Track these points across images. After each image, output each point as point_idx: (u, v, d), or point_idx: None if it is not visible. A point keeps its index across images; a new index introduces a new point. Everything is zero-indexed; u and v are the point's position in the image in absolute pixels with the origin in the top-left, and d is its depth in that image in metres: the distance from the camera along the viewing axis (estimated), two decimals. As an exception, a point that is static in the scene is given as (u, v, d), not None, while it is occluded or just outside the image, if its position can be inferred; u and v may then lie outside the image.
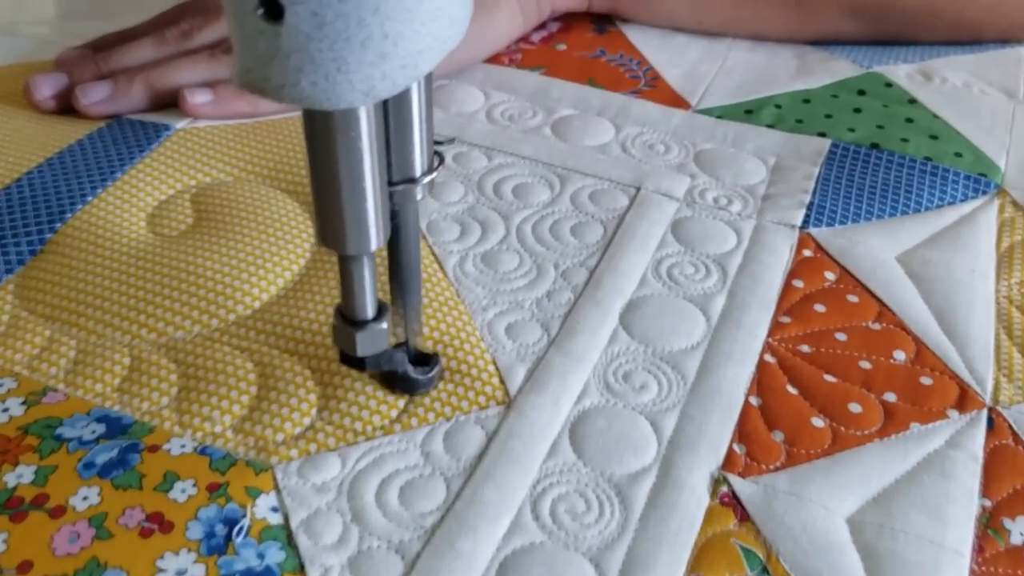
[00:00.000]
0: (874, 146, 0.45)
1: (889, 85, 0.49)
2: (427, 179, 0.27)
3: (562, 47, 0.52)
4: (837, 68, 0.51)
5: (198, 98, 0.44)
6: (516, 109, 0.47)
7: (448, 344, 0.33)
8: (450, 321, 0.34)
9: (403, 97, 0.25)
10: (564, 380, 0.32)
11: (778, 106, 0.47)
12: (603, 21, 0.54)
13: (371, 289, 0.28)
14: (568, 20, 0.54)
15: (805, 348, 0.34)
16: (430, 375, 0.31)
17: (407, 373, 0.31)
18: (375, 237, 0.26)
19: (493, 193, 0.41)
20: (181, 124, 0.44)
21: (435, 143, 0.28)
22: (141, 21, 0.50)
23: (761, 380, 0.33)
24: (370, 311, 0.28)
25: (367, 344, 0.29)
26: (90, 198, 0.40)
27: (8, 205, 0.39)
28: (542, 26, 0.53)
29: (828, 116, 0.47)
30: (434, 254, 0.38)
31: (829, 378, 0.33)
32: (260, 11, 0.20)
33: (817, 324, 0.35)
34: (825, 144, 0.45)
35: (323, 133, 0.24)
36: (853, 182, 0.43)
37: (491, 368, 0.33)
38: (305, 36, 0.20)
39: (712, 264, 0.38)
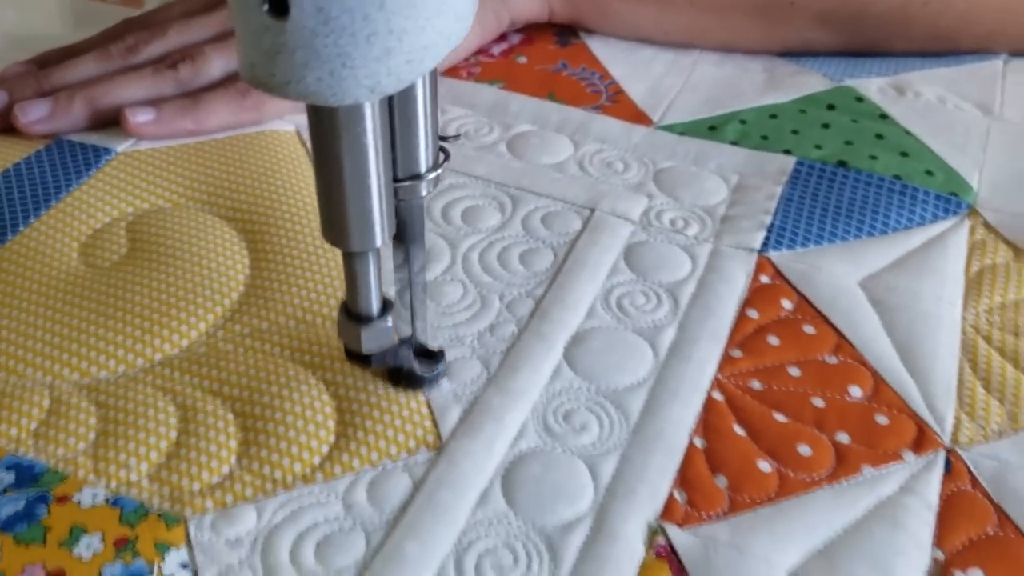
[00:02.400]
0: (841, 164, 0.43)
1: (860, 99, 0.47)
2: (432, 175, 0.27)
3: (523, 60, 0.50)
4: (807, 82, 0.49)
5: (139, 117, 0.42)
6: (472, 125, 0.46)
7: (381, 383, 0.32)
8: (384, 358, 0.33)
9: (408, 93, 0.25)
10: (501, 421, 0.31)
11: (743, 122, 0.46)
12: (566, 33, 0.52)
13: (376, 285, 0.28)
14: (530, 32, 0.52)
15: (756, 384, 0.33)
16: (436, 371, 0.32)
17: (412, 369, 0.31)
18: (380, 233, 0.26)
19: (441, 218, 0.40)
20: (122, 147, 0.43)
21: (441, 139, 0.28)
22: (89, 36, 0.49)
23: (707, 420, 0.31)
24: (375, 307, 0.28)
25: (372, 340, 0.29)
26: (22, 227, 0.38)
27: (-64, 235, 0.38)
28: (503, 38, 0.52)
29: (795, 132, 0.45)
30: (374, 285, 0.36)
31: (779, 417, 0.32)
32: (265, 7, 0.21)
33: (770, 358, 0.34)
34: (790, 162, 0.43)
35: (328, 129, 0.24)
36: (817, 202, 0.41)
37: (424, 409, 0.31)
38: (310, 32, 0.21)
39: (664, 293, 0.36)
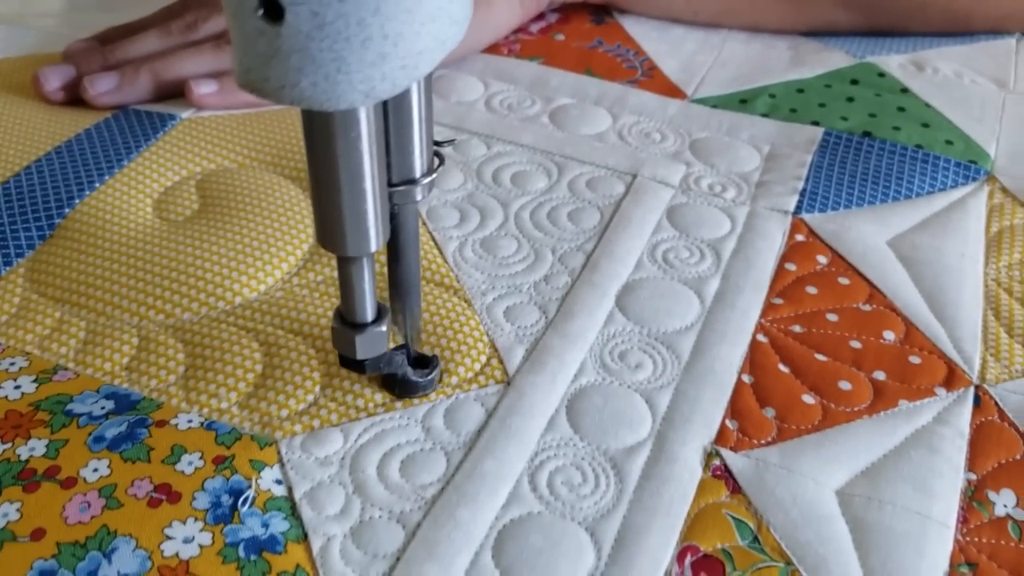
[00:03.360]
0: (866, 134, 0.45)
1: (882, 75, 0.50)
2: (427, 180, 0.27)
3: (560, 37, 0.53)
4: (831, 58, 0.51)
5: (203, 88, 0.45)
6: (515, 98, 0.48)
7: (448, 327, 0.34)
8: (450, 306, 0.35)
9: (403, 98, 0.26)
10: (561, 359, 0.33)
11: (772, 96, 0.48)
12: (601, 12, 0.55)
13: (370, 291, 0.28)
14: (566, 11, 0.55)
15: (797, 328, 0.35)
16: (429, 377, 0.32)
17: (407, 376, 0.31)
18: (375, 238, 0.26)
19: (492, 181, 0.42)
20: (186, 114, 0.45)
21: (435, 144, 0.28)
22: (147, 14, 0.51)
23: (753, 359, 0.34)
24: (369, 314, 0.28)
25: (367, 347, 0.29)
26: (97, 185, 0.41)
27: (18, 192, 0.40)
28: (540, 17, 0.54)
29: (822, 105, 0.47)
30: (434, 239, 0.39)
31: (820, 357, 0.34)
32: (260, 11, 0.20)
33: (809, 305, 0.36)
34: (818, 132, 0.46)
35: (323, 134, 0.24)
36: (845, 169, 0.43)
37: (490, 350, 0.34)
38: (305, 36, 0.20)
39: (707, 248, 0.39)
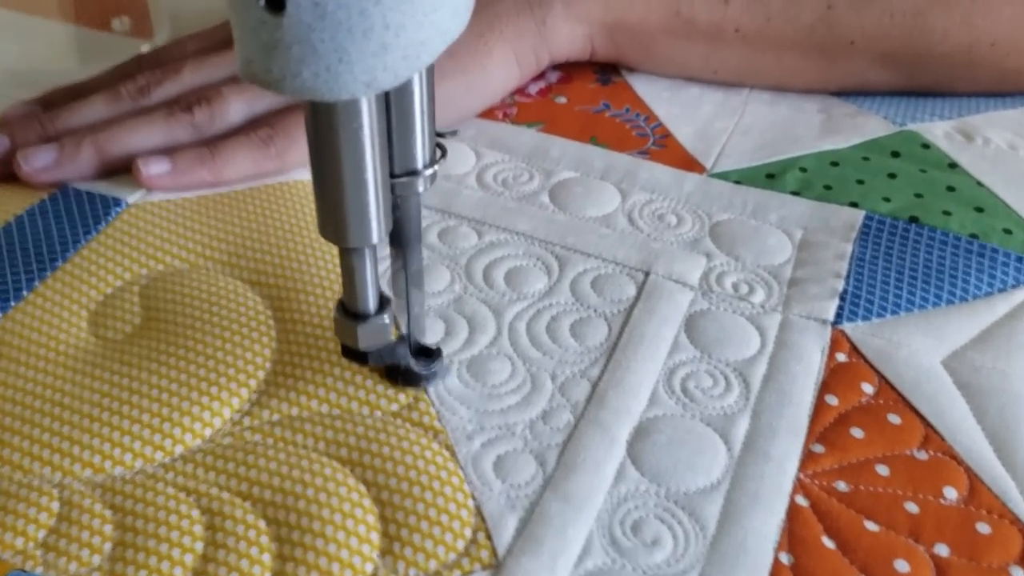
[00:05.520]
0: (913, 220, 0.40)
1: (926, 146, 0.44)
2: (429, 171, 0.27)
3: (562, 100, 0.47)
4: (867, 125, 0.45)
5: (153, 168, 0.39)
6: (511, 172, 0.43)
7: (427, 487, 0.29)
8: (429, 456, 0.30)
9: (405, 89, 0.25)
10: (563, 535, 0.28)
11: (803, 169, 0.42)
12: (607, 71, 0.49)
13: (372, 282, 0.28)
14: (568, 69, 0.49)
15: (842, 486, 0.30)
16: (433, 368, 0.31)
17: (409, 366, 0.31)
18: (377, 230, 0.26)
19: (483, 280, 0.37)
20: (133, 198, 0.40)
21: (437, 135, 0.28)
22: (100, 70, 0.46)
23: (792, 531, 0.28)
24: (372, 304, 0.29)
25: (369, 338, 0.29)
26: (25, 293, 0.35)
27: (-68, 300, 0.35)
28: (540, 76, 0.48)
29: (860, 182, 0.42)
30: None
31: (871, 526, 0.29)
32: (262, 1, 0.21)
33: (855, 454, 0.31)
34: (858, 216, 0.40)
35: (325, 125, 0.24)
36: (891, 263, 0.38)
37: (476, 519, 0.28)
38: (307, 27, 0.21)
39: (732, 374, 0.33)
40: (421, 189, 0.28)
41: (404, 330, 0.31)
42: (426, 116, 0.26)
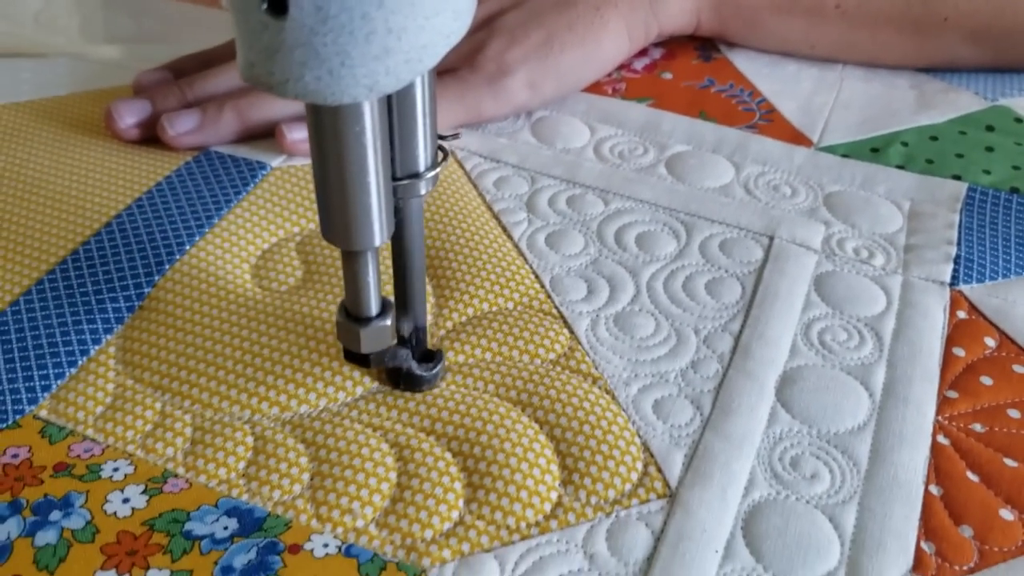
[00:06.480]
0: (1014, 190, 0.42)
1: (1019, 120, 0.46)
2: (431, 174, 0.27)
3: (668, 76, 0.49)
4: (959, 100, 0.48)
5: (295, 134, 0.41)
6: (625, 145, 0.45)
7: (596, 426, 0.31)
8: (593, 399, 0.32)
9: (407, 92, 0.26)
10: (728, 468, 0.30)
11: (905, 144, 0.45)
12: (707, 47, 0.51)
13: (375, 285, 0.28)
14: (670, 46, 0.51)
15: (978, 428, 0.32)
16: (434, 371, 0.32)
17: (411, 370, 0.31)
18: (379, 232, 0.26)
19: (615, 243, 0.39)
20: (276, 162, 0.42)
21: (439, 138, 0.28)
22: (211, 45, 0.48)
23: (938, 466, 0.30)
24: (374, 308, 0.28)
25: (371, 341, 0.29)
26: (187, 246, 0.37)
27: (100, 254, 0.37)
28: (643, 52, 0.50)
29: (959, 156, 0.44)
30: (564, 318, 0.35)
31: (1010, 463, 0.31)
32: (264, 5, 0.21)
33: (986, 399, 0.33)
34: (962, 188, 0.42)
35: (327, 128, 0.24)
36: (998, 231, 0.40)
37: (645, 455, 0.30)
38: (309, 30, 0.21)
39: (865, 329, 0.35)
40: (423, 192, 0.28)
41: (405, 333, 0.31)
42: (428, 119, 0.26)
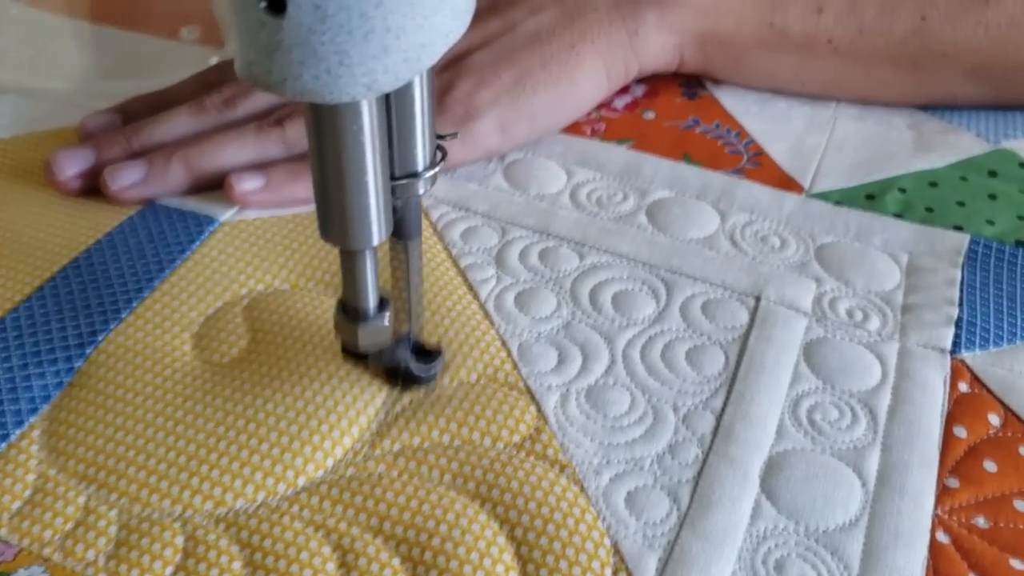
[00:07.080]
0: (1019, 243, 0.39)
1: (1023, 165, 0.43)
2: (430, 173, 0.27)
3: (650, 115, 0.46)
4: (960, 142, 0.45)
5: (246, 184, 0.38)
6: (604, 190, 0.42)
7: (560, 524, 0.28)
8: (559, 491, 0.29)
9: (405, 91, 0.25)
10: (706, 574, 0.27)
11: (902, 190, 0.42)
12: (692, 84, 0.48)
13: (373, 283, 0.28)
14: (653, 83, 0.48)
15: (981, 522, 0.29)
16: (432, 370, 0.32)
17: (409, 368, 0.31)
18: (378, 232, 0.26)
19: (590, 304, 0.36)
20: (226, 215, 0.39)
21: (438, 137, 0.28)
22: (175, 81, 0.45)
23: (938, 569, 0.28)
24: (372, 305, 0.29)
25: (369, 338, 0.29)
26: (124, 313, 0.34)
27: (28, 323, 0.34)
28: (625, 90, 0.47)
29: (961, 204, 0.41)
30: (530, 392, 0.32)
31: (1016, 564, 0.28)
32: (263, 3, 0.21)
33: (990, 488, 0.30)
34: (964, 240, 0.39)
35: (326, 127, 0.24)
36: (1002, 290, 0.37)
37: (615, 559, 0.27)
38: (307, 29, 0.21)
39: (858, 406, 0.32)
40: (421, 191, 0.28)
41: (404, 330, 0.31)
42: (427, 118, 0.26)
